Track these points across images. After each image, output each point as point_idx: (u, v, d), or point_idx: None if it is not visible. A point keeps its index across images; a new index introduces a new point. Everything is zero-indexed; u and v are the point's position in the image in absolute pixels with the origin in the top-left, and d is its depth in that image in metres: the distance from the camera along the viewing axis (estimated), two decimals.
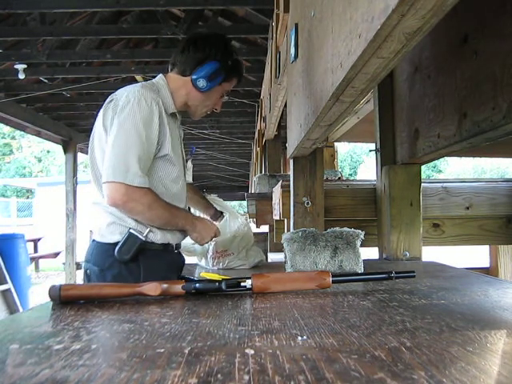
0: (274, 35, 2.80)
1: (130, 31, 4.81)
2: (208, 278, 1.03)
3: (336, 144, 4.59)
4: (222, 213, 1.70)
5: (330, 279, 1.00)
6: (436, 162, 21.84)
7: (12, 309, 5.15)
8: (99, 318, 0.80)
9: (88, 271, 1.40)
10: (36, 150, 25.63)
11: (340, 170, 4.46)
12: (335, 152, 4.56)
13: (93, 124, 1.43)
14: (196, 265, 1.75)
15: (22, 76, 5.10)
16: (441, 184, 2.06)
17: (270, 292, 1.00)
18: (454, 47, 1.32)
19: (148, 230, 1.36)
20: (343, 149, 26.72)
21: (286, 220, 2.24)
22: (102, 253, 1.37)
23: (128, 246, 1.34)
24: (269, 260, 2.55)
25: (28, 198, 22.16)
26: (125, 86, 1.40)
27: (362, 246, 1.37)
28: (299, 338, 0.65)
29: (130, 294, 0.95)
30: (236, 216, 1.69)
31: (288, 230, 2.16)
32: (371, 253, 2.10)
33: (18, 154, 25.65)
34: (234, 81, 1.54)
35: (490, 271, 2.28)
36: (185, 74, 1.46)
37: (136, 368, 0.53)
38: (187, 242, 1.56)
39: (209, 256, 1.67)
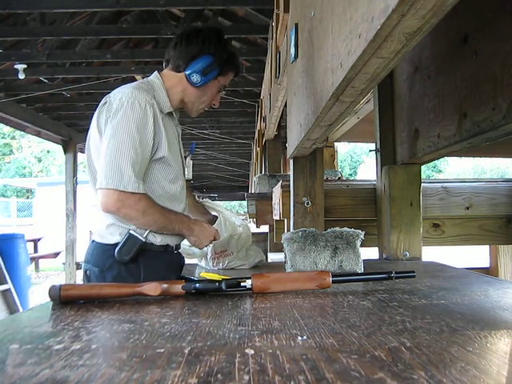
0: (274, 35, 2.80)
1: (130, 31, 4.82)
2: (208, 278, 1.03)
3: (336, 144, 4.59)
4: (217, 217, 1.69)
5: (330, 279, 1.00)
6: (436, 161, 21.82)
7: (12, 309, 5.15)
8: (99, 318, 0.80)
9: (88, 272, 1.39)
10: (36, 150, 25.62)
11: (340, 170, 4.46)
12: (335, 152, 4.57)
13: None
14: (196, 265, 1.75)
15: (21, 76, 5.10)
16: (441, 184, 2.06)
17: (270, 292, 1.00)
18: (454, 47, 1.32)
19: (148, 231, 1.36)
20: (343, 149, 26.74)
21: (286, 220, 2.24)
22: (102, 253, 1.37)
23: (128, 247, 1.33)
24: (269, 260, 2.55)
25: (28, 198, 22.13)
26: (120, 87, 1.38)
27: (362, 245, 1.37)
28: (299, 338, 0.65)
29: (129, 294, 0.95)
30: (231, 215, 1.67)
31: (288, 229, 2.16)
32: (371, 253, 2.10)
33: (17, 153, 25.65)
34: (230, 75, 1.50)
35: (490, 271, 2.28)
36: (179, 70, 1.43)
37: (136, 368, 0.53)
38: (186, 244, 1.56)
39: (208, 257, 1.66)
